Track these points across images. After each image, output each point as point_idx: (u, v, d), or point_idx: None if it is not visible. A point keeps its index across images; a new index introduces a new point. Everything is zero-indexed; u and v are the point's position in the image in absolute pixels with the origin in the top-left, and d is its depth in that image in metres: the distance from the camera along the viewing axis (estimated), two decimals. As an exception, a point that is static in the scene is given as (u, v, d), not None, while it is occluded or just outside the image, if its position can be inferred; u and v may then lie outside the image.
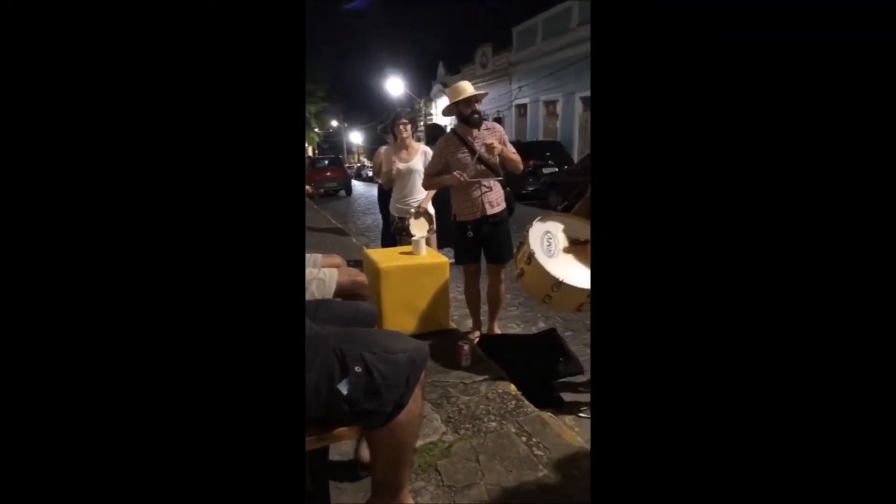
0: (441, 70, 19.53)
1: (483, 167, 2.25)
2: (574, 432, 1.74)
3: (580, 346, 2.51)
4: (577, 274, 1.67)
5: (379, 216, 4.60)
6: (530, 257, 1.70)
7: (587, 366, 2.26)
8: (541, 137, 12.61)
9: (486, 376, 2.00)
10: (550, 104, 12.61)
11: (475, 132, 2.26)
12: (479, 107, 2.29)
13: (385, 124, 4.11)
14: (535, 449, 1.52)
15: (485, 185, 2.27)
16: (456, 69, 18.03)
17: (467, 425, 1.66)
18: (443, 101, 2.55)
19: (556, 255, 1.75)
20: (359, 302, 1.44)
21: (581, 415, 1.89)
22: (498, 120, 14.82)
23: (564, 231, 1.82)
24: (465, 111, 2.23)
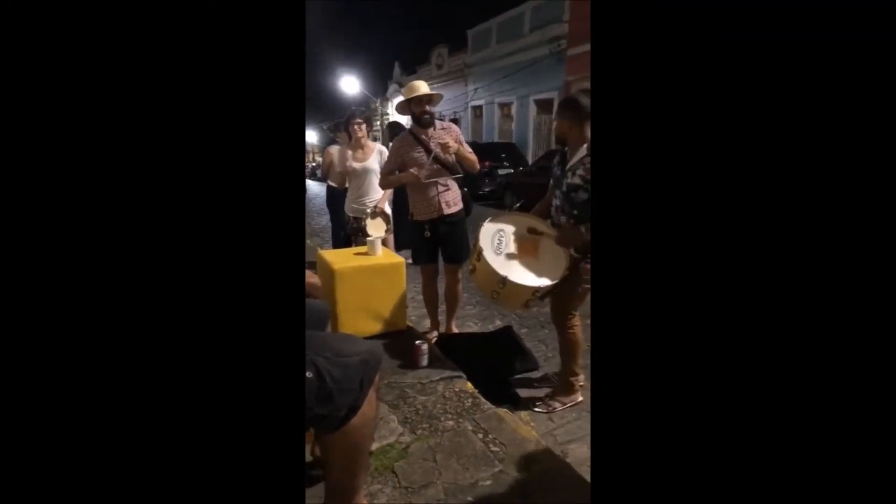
0: (397, 70, 19.41)
1: (439, 166, 2.25)
2: (529, 427, 1.77)
3: (535, 343, 2.57)
4: (523, 272, 1.72)
5: (333, 217, 4.50)
6: (479, 254, 1.74)
7: (542, 361, 2.32)
8: (496, 139, 12.81)
9: (444, 375, 2.00)
10: (505, 106, 12.84)
11: (430, 131, 2.26)
12: (433, 108, 2.29)
13: (334, 123, 4.03)
14: (491, 445, 1.54)
15: (442, 185, 2.27)
16: (412, 69, 17.98)
17: (424, 425, 1.66)
18: (399, 101, 2.53)
19: (505, 253, 1.79)
20: (310, 300, 1.41)
21: (536, 409, 1.93)
22: (454, 121, 14.91)
23: (516, 231, 1.86)
24: (416, 110, 2.23)
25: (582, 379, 2.00)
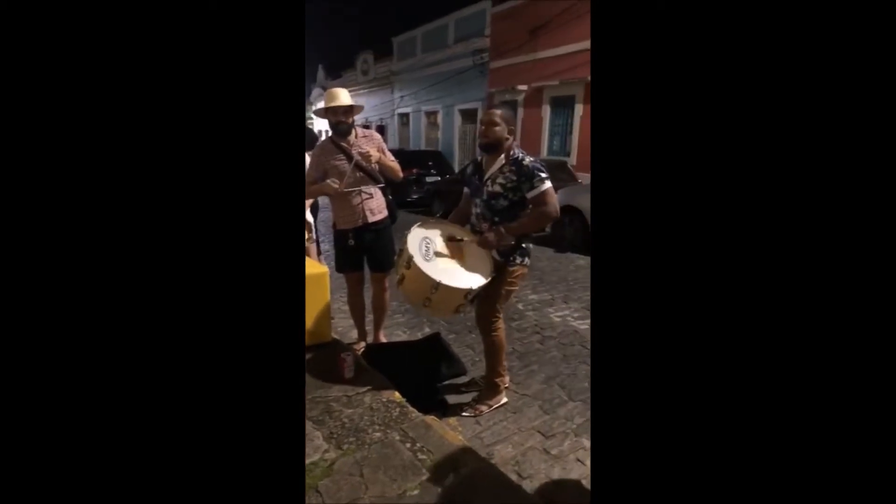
0: (321, 73, 18.90)
1: (362, 174, 2.22)
2: (457, 432, 1.80)
3: (463, 348, 2.61)
4: (454, 275, 1.74)
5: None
6: (409, 261, 1.73)
7: (470, 366, 2.36)
8: (423, 146, 12.92)
9: (370, 386, 1.97)
10: (431, 115, 13.01)
11: (352, 139, 2.23)
12: (354, 116, 2.26)
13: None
14: (419, 454, 1.53)
15: (365, 193, 2.25)
16: (337, 74, 17.59)
17: (351, 439, 1.61)
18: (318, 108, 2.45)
19: (434, 259, 1.80)
20: None
21: (464, 414, 1.96)
22: (381, 128, 14.81)
23: (441, 236, 1.89)
24: (332, 119, 2.19)
25: (507, 380, 2.07)
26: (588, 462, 1.64)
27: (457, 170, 9.74)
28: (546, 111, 9.44)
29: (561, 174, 6.45)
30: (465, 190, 2.02)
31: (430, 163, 9.41)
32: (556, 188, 5.52)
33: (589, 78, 8.19)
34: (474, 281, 1.74)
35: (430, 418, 1.78)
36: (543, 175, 1.73)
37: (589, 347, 2.62)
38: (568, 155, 8.99)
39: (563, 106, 9.15)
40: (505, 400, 2.03)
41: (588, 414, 1.96)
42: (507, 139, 1.79)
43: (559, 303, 3.42)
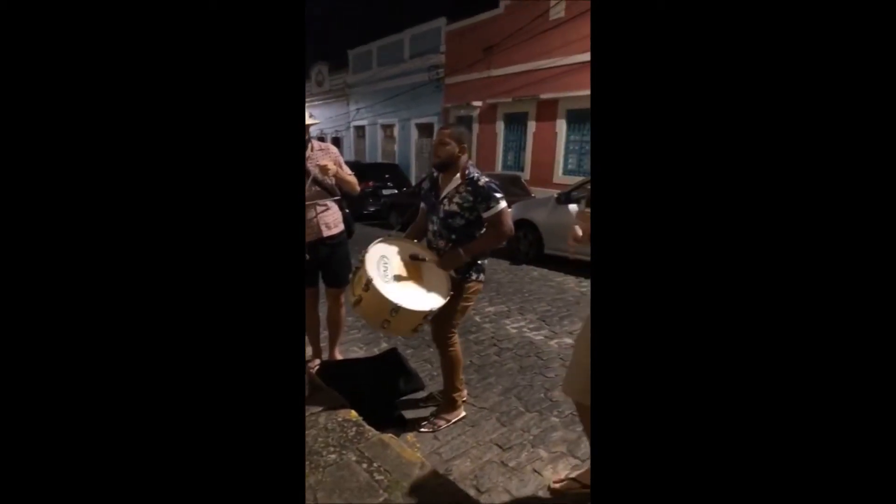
0: (274, 83, 18.48)
1: (318, 188, 2.19)
2: (415, 449, 1.78)
3: (421, 363, 2.60)
4: (413, 297, 1.73)
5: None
6: (368, 283, 1.69)
7: (428, 380, 2.35)
8: (379, 159, 12.88)
9: (325, 406, 1.91)
10: (388, 128, 13.02)
11: (308, 153, 2.19)
12: (309, 130, 2.23)
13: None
14: (375, 474, 1.50)
15: (321, 206, 2.21)
16: (290, 84, 17.28)
17: (304, 463, 1.56)
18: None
19: (392, 279, 1.78)
20: None
21: (422, 430, 1.94)
22: (336, 140, 14.63)
23: (399, 254, 1.88)
24: None
25: (465, 394, 2.08)
26: (544, 472, 1.67)
27: (413, 183, 9.77)
28: (500, 127, 9.69)
29: (515, 188, 6.62)
30: (422, 205, 2.03)
31: (387, 176, 9.40)
32: (510, 202, 5.65)
33: (540, 96, 8.53)
34: (434, 302, 1.74)
35: (388, 436, 1.75)
36: (499, 195, 1.77)
37: (544, 358, 2.68)
38: (521, 170, 9.26)
39: (516, 122, 9.44)
40: (463, 414, 2.03)
41: (543, 424, 2.00)
42: (460, 157, 1.83)
43: (515, 314, 3.48)
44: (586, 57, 7.75)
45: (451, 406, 2.00)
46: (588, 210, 1.25)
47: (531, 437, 1.90)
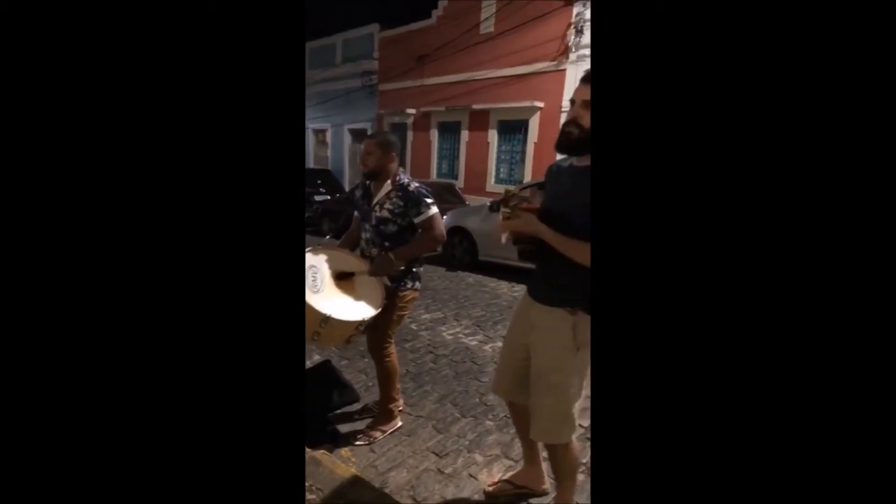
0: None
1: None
2: (350, 463, 1.73)
3: (355, 374, 2.54)
4: (344, 307, 1.69)
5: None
6: None
7: (363, 392, 2.31)
8: (312, 165, 12.50)
9: (253, 425, 1.81)
10: (320, 133, 12.68)
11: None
12: None
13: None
14: (308, 493, 1.44)
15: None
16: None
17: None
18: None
19: (322, 289, 1.74)
20: None
21: (357, 443, 1.90)
22: (265, 143, 13.98)
23: (329, 263, 1.83)
24: None
25: (401, 403, 2.06)
26: (480, 476, 1.70)
27: (347, 189, 9.59)
28: (434, 135, 9.81)
29: (450, 196, 6.72)
30: (355, 213, 2.00)
31: (319, 181, 9.13)
32: (445, 210, 5.71)
33: (473, 106, 8.75)
34: (366, 311, 1.71)
35: (320, 453, 1.69)
36: (429, 200, 1.79)
37: (479, 363, 2.73)
38: (455, 178, 9.42)
39: (449, 131, 9.60)
40: (399, 423, 2.02)
41: (479, 428, 2.03)
42: (389, 165, 1.83)
43: (451, 321, 3.52)
44: (516, 70, 8.09)
45: (387, 417, 1.98)
46: (506, 211, 1.29)
47: (467, 443, 1.92)
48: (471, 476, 1.71)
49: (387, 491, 1.57)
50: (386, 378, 1.94)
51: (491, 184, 8.89)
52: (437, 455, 1.84)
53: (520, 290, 4.48)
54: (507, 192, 1.32)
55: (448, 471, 1.74)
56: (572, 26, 7.33)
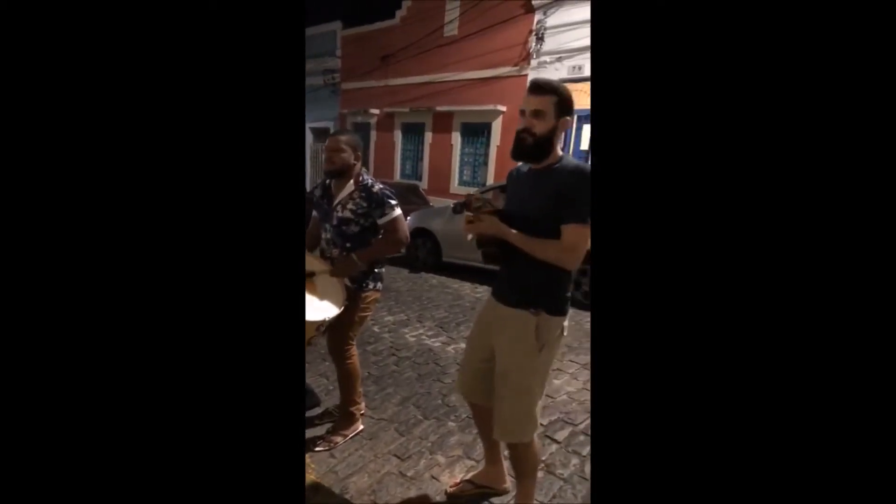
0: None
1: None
2: (310, 470, 1.69)
3: (316, 377, 2.48)
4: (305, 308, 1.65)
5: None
6: None
7: (324, 395, 2.26)
8: (271, 163, 12.16)
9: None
10: (280, 130, 12.35)
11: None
12: None
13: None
14: (265, 502, 1.39)
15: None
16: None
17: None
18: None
19: None
20: None
21: (317, 449, 1.85)
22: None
23: None
24: None
25: (363, 407, 2.03)
26: (442, 478, 1.70)
27: (308, 188, 9.37)
28: (398, 136, 9.76)
29: (414, 197, 6.70)
30: (314, 213, 1.95)
31: (279, 181, 8.89)
32: (409, 211, 5.68)
33: (436, 108, 8.77)
34: (326, 312, 1.68)
35: (279, 460, 1.64)
36: (394, 202, 1.78)
37: (442, 364, 2.74)
38: (419, 179, 9.41)
39: (413, 132, 9.58)
40: (361, 427, 1.98)
41: (441, 430, 2.03)
42: (354, 165, 1.80)
43: (414, 322, 3.51)
44: (480, 74, 8.18)
45: (349, 420, 1.95)
46: (469, 215, 1.32)
47: (429, 444, 1.92)
48: (433, 478, 1.70)
49: (347, 497, 1.54)
50: (347, 381, 1.91)
51: (455, 185, 8.94)
52: (398, 458, 1.82)
53: (483, 290, 4.52)
54: (469, 196, 1.34)
55: (410, 473, 1.73)
56: (533, 33, 7.49)
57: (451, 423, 2.09)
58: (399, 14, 9.28)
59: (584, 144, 7.20)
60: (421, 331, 3.33)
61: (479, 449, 1.85)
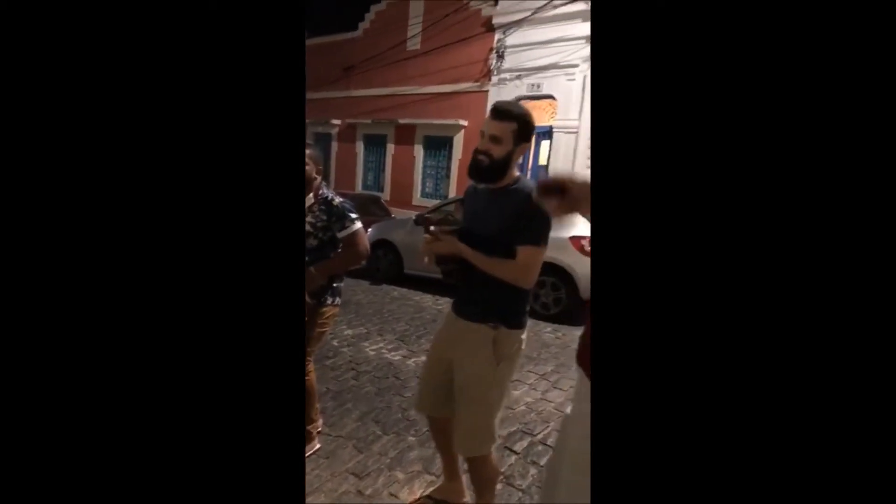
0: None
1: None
2: (262, 492, 1.62)
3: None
4: None
5: None
6: None
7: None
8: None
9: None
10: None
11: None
12: None
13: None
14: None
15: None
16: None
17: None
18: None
19: None
20: None
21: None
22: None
23: None
24: None
25: (320, 424, 1.98)
26: (401, 494, 1.68)
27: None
28: (360, 147, 9.71)
29: (376, 209, 6.67)
30: None
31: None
32: (370, 222, 5.64)
33: (399, 120, 8.81)
34: None
35: (229, 483, 1.56)
36: (354, 216, 1.77)
37: (402, 378, 2.71)
38: (381, 190, 9.38)
39: (375, 144, 9.56)
40: (318, 446, 1.93)
41: (400, 445, 2.01)
42: (315, 178, 1.79)
43: (374, 336, 3.47)
44: (442, 88, 8.30)
45: (305, 439, 1.89)
46: (433, 230, 1.34)
47: (388, 461, 1.89)
48: (391, 495, 1.68)
49: (302, 519, 1.49)
50: (304, 398, 1.85)
51: (417, 197, 8.97)
52: (356, 476, 1.78)
53: (444, 302, 4.53)
54: (425, 218, 1.37)
55: (368, 492, 1.69)
56: (494, 51, 7.71)
57: (410, 438, 2.07)
58: (362, 26, 9.30)
59: (543, 160, 7.43)
60: (381, 344, 3.29)
61: (439, 463, 1.84)
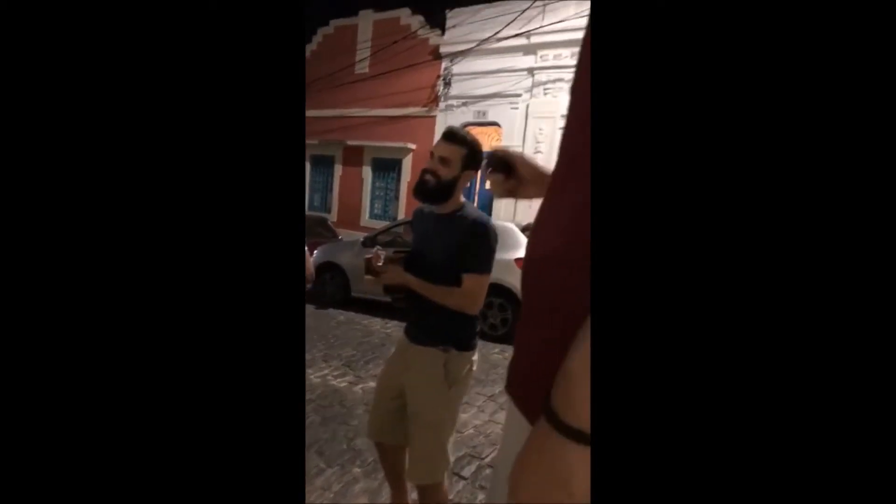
0: None
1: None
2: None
3: (203, 430, 2.22)
4: None
5: None
6: None
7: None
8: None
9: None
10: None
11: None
12: None
13: None
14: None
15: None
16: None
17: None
18: None
19: None
20: None
21: None
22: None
23: None
24: None
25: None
26: (346, 531, 1.59)
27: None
28: (307, 168, 9.51)
29: (322, 230, 6.51)
30: None
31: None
32: (317, 244, 5.47)
33: (347, 142, 8.76)
34: None
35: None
36: None
37: (347, 405, 2.61)
38: (328, 211, 9.20)
39: (323, 164, 9.42)
40: (255, 484, 1.80)
41: (345, 478, 1.92)
42: None
43: (319, 362, 3.33)
44: (391, 112, 8.38)
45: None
46: (379, 253, 1.35)
47: (332, 496, 1.80)
48: (336, 532, 1.59)
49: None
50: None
51: (365, 219, 8.88)
52: (298, 514, 1.67)
53: (393, 325, 4.46)
54: (373, 240, 1.39)
55: (310, 530, 1.59)
56: (441, 78, 7.93)
57: (356, 470, 1.98)
58: (309, 48, 9.26)
59: (488, 184, 7.64)
60: (326, 371, 3.17)
61: (385, 493, 1.78)
